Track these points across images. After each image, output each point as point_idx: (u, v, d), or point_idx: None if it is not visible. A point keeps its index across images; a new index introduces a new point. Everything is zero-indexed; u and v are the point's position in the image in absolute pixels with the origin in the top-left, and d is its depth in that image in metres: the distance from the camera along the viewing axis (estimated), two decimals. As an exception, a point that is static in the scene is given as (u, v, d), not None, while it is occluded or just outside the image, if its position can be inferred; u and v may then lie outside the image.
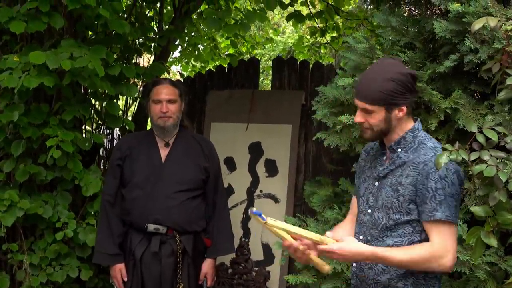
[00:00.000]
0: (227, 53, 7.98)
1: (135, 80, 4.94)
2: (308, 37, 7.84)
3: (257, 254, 4.70)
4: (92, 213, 4.35)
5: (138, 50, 5.11)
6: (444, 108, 3.11)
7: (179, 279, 3.71)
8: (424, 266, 2.34)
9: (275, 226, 2.38)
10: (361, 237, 2.54)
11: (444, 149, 2.21)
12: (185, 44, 6.99)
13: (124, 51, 4.78)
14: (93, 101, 4.65)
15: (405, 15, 3.66)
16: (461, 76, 3.23)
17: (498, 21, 2.15)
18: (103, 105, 4.61)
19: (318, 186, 3.99)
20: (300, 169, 4.73)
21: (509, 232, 2.76)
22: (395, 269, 2.43)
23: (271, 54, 13.03)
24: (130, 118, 5.14)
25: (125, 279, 3.76)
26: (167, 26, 5.44)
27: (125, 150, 3.84)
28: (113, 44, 4.57)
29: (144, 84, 5.01)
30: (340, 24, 7.18)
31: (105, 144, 4.97)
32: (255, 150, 4.86)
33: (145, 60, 5.81)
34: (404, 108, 2.43)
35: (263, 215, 2.34)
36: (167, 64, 6.40)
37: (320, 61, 6.91)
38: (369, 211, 2.53)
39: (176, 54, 7.73)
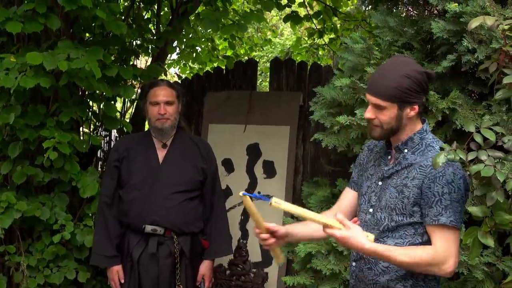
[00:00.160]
0: (225, 55, 7.98)
1: (133, 82, 4.93)
2: (306, 38, 7.84)
3: (255, 255, 4.70)
4: (90, 214, 4.34)
5: (136, 51, 5.11)
6: (442, 108, 3.10)
7: (177, 281, 3.71)
8: (424, 268, 2.32)
9: (279, 208, 2.35)
10: None
11: (441, 149, 2.19)
12: (183, 46, 6.99)
13: (122, 53, 4.78)
14: (90, 102, 4.64)
15: (403, 15, 3.66)
16: (459, 76, 3.23)
17: (496, 20, 2.14)
18: (101, 106, 4.60)
19: (316, 187, 3.98)
20: (298, 170, 4.73)
21: (506, 233, 2.76)
22: (395, 270, 2.41)
23: (270, 56, 13.03)
24: (128, 120, 5.13)
25: (122, 281, 3.75)
26: (164, 28, 5.43)
27: (123, 152, 3.84)
28: (111, 45, 4.56)
29: (141, 85, 5.01)
30: (338, 25, 7.18)
31: (102, 146, 4.96)
32: (253, 151, 4.85)
33: (143, 62, 5.80)
34: (416, 107, 2.39)
35: (265, 197, 2.38)
36: (165, 66, 6.39)
37: (318, 62, 6.91)
38: (371, 210, 2.50)
39: (174, 56, 7.74)
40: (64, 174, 4.17)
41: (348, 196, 2.72)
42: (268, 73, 5.20)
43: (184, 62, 7.97)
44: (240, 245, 4.71)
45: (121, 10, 5.01)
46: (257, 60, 8.16)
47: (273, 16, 12.49)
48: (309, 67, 4.87)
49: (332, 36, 7.31)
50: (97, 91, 4.34)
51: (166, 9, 6.16)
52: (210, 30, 5.45)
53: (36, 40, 4.27)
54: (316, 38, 7.17)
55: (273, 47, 12.36)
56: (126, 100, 5.09)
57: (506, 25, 2.09)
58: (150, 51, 5.33)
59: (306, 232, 2.68)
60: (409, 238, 2.39)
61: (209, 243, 3.88)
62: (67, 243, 4.25)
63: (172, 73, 8.89)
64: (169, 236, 3.70)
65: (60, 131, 4.07)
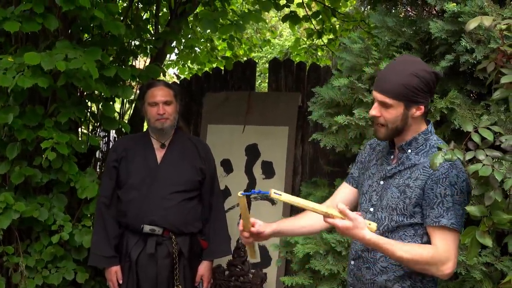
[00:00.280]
0: (223, 55, 7.98)
1: (131, 83, 4.93)
2: (305, 39, 7.84)
3: (254, 256, 4.69)
4: (88, 215, 4.33)
5: (134, 52, 5.10)
6: (440, 108, 3.10)
7: (176, 281, 3.70)
8: (422, 267, 2.30)
9: (279, 199, 2.33)
10: None
11: (439, 149, 2.19)
12: (181, 46, 6.99)
13: (120, 53, 4.77)
14: (89, 103, 4.64)
15: (401, 15, 3.66)
16: (457, 76, 3.22)
17: (493, 20, 2.14)
18: (99, 107, 4.60)
19: (315, 187, 3.98)
20: (297, 171, 4.72)
21: (505, 232, 2.75)
22: (393, 271, 2.41)
23: (269, 57, 13.02)
24: (126, 121, 5.13)
25: (121, 282, 3.75)
26: (163, 28, 5.43)
27: (121, 152, 3.83)
28: (109, 46, 4.57)
29: (140, 86, 5.01)
30: (337, 26, 7.18)
31: (101, 146, 4.96)
32: (252, 152, 4.85)
33: (142, 63, 5.80)
34: (422, 107, 2.37)
35: (264, 191, 2.37)
36: (164, 66, 6.39)
37: (317, 63, 6.90)
38: (372, 209, 2.48)
39: (173, 56, 7.74)
40: (63, 175, 4.17)
41: (345, 191, 2.71)
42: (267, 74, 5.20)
43: (183, 62, 7.96)
44: (239, 245, 4.70)
45: (120, 11, 5.01)
46: (256, 61, 8.16)
47: (272, 17, 12.49)
48: (307, 67, 4.87)
49: (331, 36, 7.31)
50: (96, 92, 4.34)
51: (164, 9, 6.16)
52: (208, 30, 5.44)
53: (34, 41, 4.27)
54: (315, 39, 7.16)
55: (272, 48, 12.36)
56: (125, 100, 5.09)
57: (503, 24, 2.08)
58: (148, 51, 5.32)
59: (293, 228, 2.69)
60: (408, 239, 2.38)
61: (208, 243, 3.88)
62: (66, 244, 4.25)
63: (171, 74, 8.89)
64: (167, 236, 3.70)
65: (58, 131, 4.07)
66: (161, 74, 5.35)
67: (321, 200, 3.78)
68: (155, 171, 3.76)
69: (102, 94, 4.24)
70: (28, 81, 3.72)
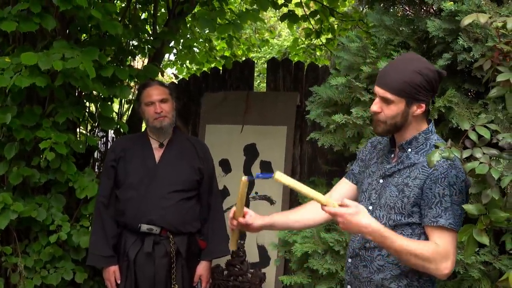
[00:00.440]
0: (222, 55, 7.98)
1: (129, 82, 4.93)
2: (304, 39, 7.84)
3: (252, 256, 4.69)
4: (87, 215, 4.33)
5: (132, 52, 5.10)
6: (438, 107, 3.10)
7: (173, 280, 3.70)
8: (420, 263, 2.26)
9: (282, 182, 2.33)
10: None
11: (436, 147, 2.19)
12: (179, 46, 6.99)
13: (118, 53, 4.77)
14: (87, 103, 4.64)
15: (399, 14, 3.66)
16: (455, 75, 3.22)
17: (489, 17, 2.13)
18: (97, 107, 4.60)
19: (313, 187, 3.94)
20: (296, 170, 4.72)
21: (503, 231, 2.75)
22: (390, 269, 2.40)
23: (267, 57, 13.03)
24: (124, 121, 5.13)
25: (119, 281, 3.74)
26: (161, 29, 5.43)
27: (119, 152, 3.83)
28: (107, 46, 4.56)
29: (138, 86, 5.01)
30: (335, 26, 7.18)
31: (99, 146, 4.95)
32: (250, 151, 4.85)
33: (140, 63, 5.80)
34: (424, 106, 2.36)
35: (268, 173, 2.40)
36: (162, 66, 6.39)
37: (316, 63, 6.91)
38: (370, 208, 2.47)
39: (172, 56, 7.74)
40: (61, 175, 4.16)
41: (345, 186, 2.70)
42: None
43: (181, 62, 7.96)
44: (237, 245, 4.69)
45: (118, 11, 5.01)
46: (255, 61, 8.17)
47: (271, 17, 12.50)
48: (306, 67, 4.86)
49: (330, 36, 7.31)
50: (94, 92, 4.33)
51: (163, 10, 6.16)
52: (207, 30, 5.44)
53: (31, 41, 4.27)
54: (313, 39, 7.16)
55: (271, 48, 12.37)
56: (123, 101, 5.09)
57: (499, 22, 2.08)
58: (146, 51, 5.32)
59: (286, 222, 2.70)
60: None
61: (206, 243, 3.88)
62: (64, 244, 4.24)
63: (170, 74, 8.90)
64: (165, 236, 3.70)
65: (56, 131, 4.06)
66: (159, 74, 5.34)
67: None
68: (153, 171, 3.76)
69: (100, 94, 4.23)
70: (25, 81, 3.72)
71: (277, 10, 6.98)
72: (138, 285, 3.70)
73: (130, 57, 5.10)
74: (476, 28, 2.99)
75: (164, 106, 3.74)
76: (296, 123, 4.71)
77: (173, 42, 6.08)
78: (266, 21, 11.39)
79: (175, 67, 8.17)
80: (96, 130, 4.93)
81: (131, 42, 5.17)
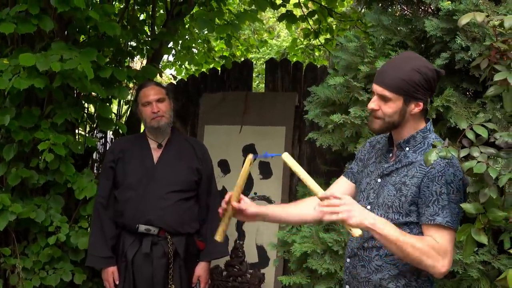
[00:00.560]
0: (221, 55, 7.98)
1: (128, 84, 4.92)
2: (302, 39, 7.84)
3: (251, 256, 4.69)
4: (86, 216, 4.33)
5: (131, 53, 5.10)
6: (436, 106, 3.10)
7: (170, 281, 3.70)
8: (418, 258, 2.24)
9: (288, 163, 2.33)
10: None
11: (433, 146, 2.18)
12: (178, 47, 6.99)
13: (116, 54, 4.77)
14: (85, 104, 4.64)
15: (397, 14, 3.66)
16: (453, 74, 3.22)
17: (486, 16, 2.13)
18: (96, 108, 4.60)
19: (312, 187, 3.96)
20: (294, 170, 4.71)
21: (501, 230, 2.75)
22: (388, 269, 2.39)
23: (266, 57, 13.03)
24: (123, 122, 5.13)
25: (117, 282, 3.74)
26: (159, 29, 5.43)
27: (118, 153, 3.84)
28: (105, 47, 4.56)
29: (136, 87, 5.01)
30: (334, 26, 7.18)
31: (98, 147, 4.95)
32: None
33: (138, 64, 5.80)
34: (421, 104, 2.36)
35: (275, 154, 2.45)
36: (161, 67, 6.39)
37: (314, 63, 6.91)
38: (368, 207, 2.46)
39: (170, 58, 7.74)
40: (59, 176, 4.16)
41: (344, 185, 2.69)
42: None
43: (180, 63, 7.96)
44: (236, 246, 4.70)
45: (116, 12, 5.01)
46: (254, 62, 8.16)
47: (269, 17, 12.50)
48: (304, 67, 4.86)
49: (328, 36, 7.31)
50: (92, 93, 4.33)
51: (161, 10, 6.16)
52: (205, 31, 5.44)
53: (30, 42, 4.27)
54: (312, 39, 7.16)
55: (269, 48, 12.37)
56: (122, 102, 5.09)
57: (496, 21, 2.08)
58: (145, 52, 5.32)
59: (280, 214, 2.69)
60: None
61: (205, 244, 3.87)
62: (63, 245, 4.24)
63: (168, 75, 8.90)
64: (163, 236, 3.69)
65: (55, 133, 4.06)
66: (158, 75, 5.34)
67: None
68: (151, 171, 3.76)
69: (99, 95, 4.23)
70: (24, 83, 3.73)
71: (276, 11, 6.97)
72: (136, 285, 3.70)
73: (128, 58, 5.10)
74: (474, 27, 2.99)
75: (161, 105, 3.75)
76: (295, 123, 4.71)
77: (171, 43, 6.07)
78: (264, 21, 11.40)
79: (173, 68, 8.17)
80: (95, 131, 4.94)
81: (129, 43, 5.16)
